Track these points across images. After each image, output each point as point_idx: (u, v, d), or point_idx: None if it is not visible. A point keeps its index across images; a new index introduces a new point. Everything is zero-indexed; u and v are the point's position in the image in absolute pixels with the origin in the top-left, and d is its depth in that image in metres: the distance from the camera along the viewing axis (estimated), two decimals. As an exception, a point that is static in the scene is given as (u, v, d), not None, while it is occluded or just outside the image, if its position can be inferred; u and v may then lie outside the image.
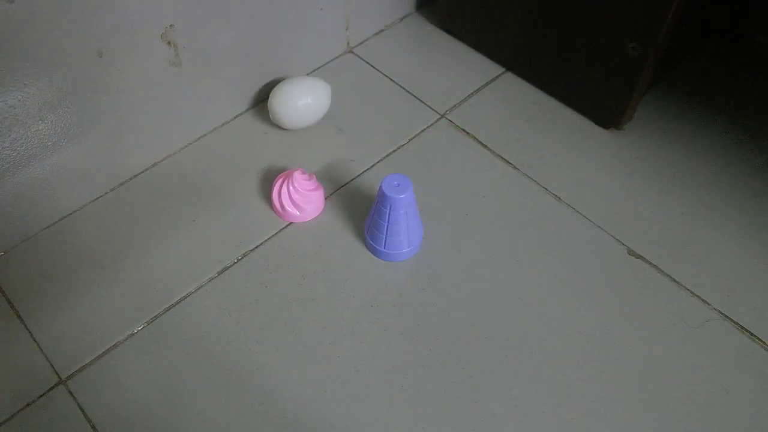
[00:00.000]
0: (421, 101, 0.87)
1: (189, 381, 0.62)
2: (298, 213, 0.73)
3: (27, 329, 0.66)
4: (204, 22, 0.72)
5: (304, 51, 0.88)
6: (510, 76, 0.90)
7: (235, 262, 0.71)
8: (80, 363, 0.64)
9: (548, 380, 0.63)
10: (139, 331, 0.66)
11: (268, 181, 0.77)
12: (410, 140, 0.83)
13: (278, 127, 0.83)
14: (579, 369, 0.63)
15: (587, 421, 0.60)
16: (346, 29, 0.91)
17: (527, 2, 0.80)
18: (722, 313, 0.67)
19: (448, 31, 0.96)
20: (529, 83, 0.89)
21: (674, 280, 0.69)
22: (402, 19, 0.99)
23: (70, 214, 0.75)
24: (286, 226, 0.74)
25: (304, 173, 0.73)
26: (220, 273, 0.70)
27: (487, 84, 0.90)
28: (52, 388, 0.62)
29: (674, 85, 0.89)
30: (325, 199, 0.76)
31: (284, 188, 0.72)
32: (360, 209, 0.75)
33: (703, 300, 0.68)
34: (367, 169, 0.80)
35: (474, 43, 0.94)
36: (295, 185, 0.72)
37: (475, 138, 0.83)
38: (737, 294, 0.68)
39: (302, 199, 0.72)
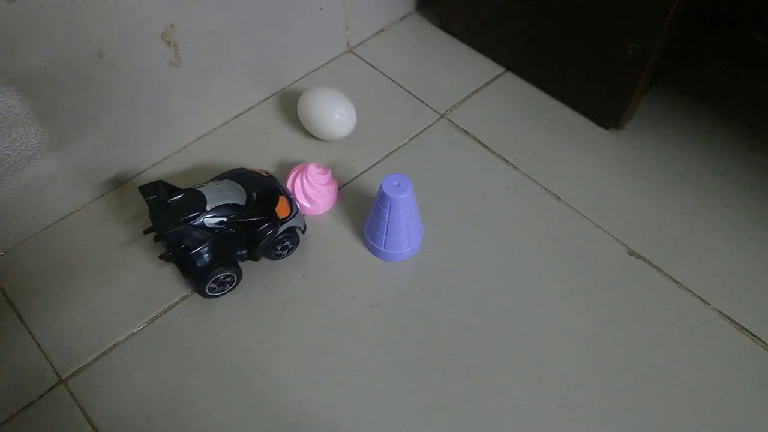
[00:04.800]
0: (421, 101, 0.87)
1: (189, 381, 0.62)
2: (309, 206, 0.73)
3: (27, 329, 0.66)
4: (204, 22, 0.72)
5: (304, 51, 0.88)
6: (510, 76, 0.90)
7: (235, 262, 0.71)
8: (80, 363, 0.64)
9: (548, 380, 0.63)
10: (139, 331, 0.66)
11: (268, 181, 0.77)
12: (410, 140, 0.83)
13: (279, 127, 0.83)
14: (579, 369, 0.63)
15: (587, 421, 0.60)
16: (346, 29, 0.91)
17: (527, 2, 0.80)
18: (722, 313, 0.67)
19: (448, 31, 0.96)
20: (529, 83, 0.89)
21: (674, 280, 0.69)
22: (402, 19, 0.99)
23: (71, 213, 0.75)
24: (286, 226, 0.74)
25: (318, 167, 0.74)
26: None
27: (487, 84, 0.90)
28: (52, 388, 0.62)
29: (674, 85, 0.89)
30: (338, 189, 0.76)
31: (298, 180, 0.73)
32: (360, 209, 0.75)
33: (703, 300, 0.68)
34: (367, 169, 0.80)
35: (474, 43, 0.94)
36: (309, 179, 0.72)
37: (475, 138, 0.83)
38: (737, 294, 0.68)
39: (315, 192, 0.73)
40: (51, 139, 0.67)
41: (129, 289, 0.69)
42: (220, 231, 0.64)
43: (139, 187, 0.65)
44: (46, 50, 0.61)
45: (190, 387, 0.62)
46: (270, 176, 0.71)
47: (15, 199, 0.69)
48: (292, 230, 0.68)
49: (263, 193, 0.67)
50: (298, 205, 0.70)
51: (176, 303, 0.68)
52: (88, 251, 0.72)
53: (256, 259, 0.68)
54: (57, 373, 0.63)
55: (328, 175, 0.75)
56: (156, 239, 0.68)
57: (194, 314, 0.67)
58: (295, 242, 0.70)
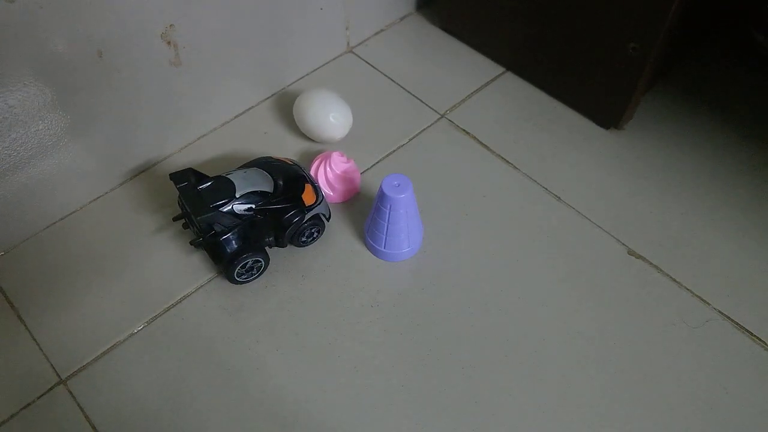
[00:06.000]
0: (421, 101, 0.87)
1: (189, 381, 0.62)
2: (332, 194, 0.74)
3: (27, 329, 0.66)
4: (204, 23, 0.72)
5: (304, 51, 0.88)
6: (510, 76, 0.90)
7: (235, 262, 0.71)
8: (80, 363, 0.64)
9: (548, 380, 0.63)
10: (139, 331, 0.66)
11: (268, 181, 0.77)
12: (410, 140, 0.83)
13: (279, 127, 0.83)
14: (579, 369, 0.63)
15: (587, 421, 0.60)
16: (346, 29, 0.91)
17: (527, 2, 0.80)
18: (722, 313, 0.67)
19: (448, 31, 0.96)
20: (529, 83, 0.89)
21: (674, 280, 0.69)
22: (402, 19, 0.99)
23: (70, 214, 0.75)
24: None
25: (342, 155, 0.75)
26: (220, 273, 0.70)
27: (487, 84, 0.90)
28: (52, 388, 0.62)
29: (674, 85, 0.89)
30: (361, 174, 0.78)
31: (322, 168, 0.74)
32: (360, 209, 0.75)
33: (703, 300, 0.68)
34: (367, 169, 0.80)
35: (474, 43, 0.94)
36: (333, 166, 0.73)
37: (475, 138, 0.83)
38: (737, 294, 0.68)
39: (338, 180, 0.74)
40: (51, 139, 0.67)
41: (129, 289, 0.69)
42: (249, 218, 0.65)
43: (170, 175, 0.66)
44: (46, 50, 0.61)
45: (190, 387, 0.62)
46: (295, 164, 0.72)
47: (15, 199, 0.69)
48: (317, 217, 0.69)
49: (289, 180, 0.69)
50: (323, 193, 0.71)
51: (176, 303, 0.68)
52: (88, 251, 0.72)
53: (283, 245, 0.70)
54: (57, 373, 0.63)
55: (351, 163, 0.75)
56: (185, 226, 0.70)
57: (194, 314, 0.67)
58: (321, 229, 0.71)
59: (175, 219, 0.70)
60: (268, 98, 0.87)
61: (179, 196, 0.66)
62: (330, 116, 0.77)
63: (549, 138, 0.83)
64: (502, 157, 0.81)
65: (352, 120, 0.79)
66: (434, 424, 0.60)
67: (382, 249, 0.69)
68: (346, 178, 0.74)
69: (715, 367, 0.63)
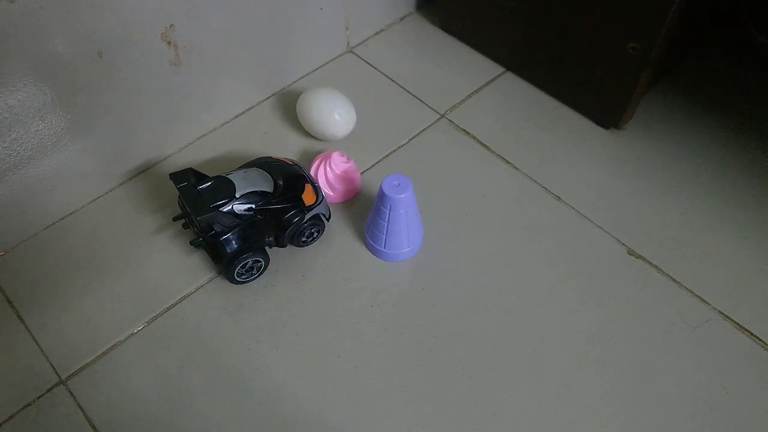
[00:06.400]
0: (421, 101, 0.87)
1: (189, 381, 0.62)
2: (332, 194, 0.74)
3: (27, 329, 0.66)
4: (204, 23, 0.72)
5: (304, 51, 0.88)
6: (510, 76, 0.90)
7: (235, 262, 0.71)
8: (80, 363, 0.64)
9: (548, 380, 0.63)
10: (139, 331, 0.66)
11: (268, 181, 0.77)
12: (410, 140, 0.83)
13: (279, 127, 0.83)
14: (579, 369, 0.63)
15: (587, 421, 0.60)
16: (346, 29, 0.91)
17: (527, 2, 0.80)
18: (722, 313, 0.67)
19: (448, 31, 0.96)
20: (529, 83, 0.89)
21: (674, 280, 0.69)
22: (402, 19, 0.99)
23: (70, 214, 0.75)
24: (286, 226, 0.74)
25: (342, 155, 0.75)
26: (220, 272, 0.70)
27: (487, 84, 0.90)
28: (52, 388, 0.62)
29: (674, 85, 0.89)
30: (361, 176, 0.78)
31: (322, 168, 0.74)
32: (360, 209, 0.75)
33: (703, 300, 0.68)
34: (367, 169, 0.80)
35: (474, 43, 0.94)
36: (333, 166, 0.73)
37: (475, 138, 0.83)
38: (737, 294, 0.68)
39: (338, 180, 0.74)
40: (51, 138, 0.67)
41: (129, 289, 0.69)
42: (249, 218, 0.65)
43: (170, 174, 0.66)
44: (46, 50, 0.61)
45: (190, 387, 0.62)
46: (295, 164, 0.72)
47: (14, 199, 0.69)
48: (317, 217, 0.69)
49: (289, 180, 0.69)
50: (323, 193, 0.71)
51: (176, 303, 0.68)
52: (88, 251, 0.72)
53: (283, 245, 0.70)
54: (57, 373, 0.63)
55: (352, 163, 0.75)
56: (185, 226, 0.70)
57: (194, 314, 0.67)
58: (321, 229, 0.71)
59: (175, 219, 0.70)
60: (268, 98, 0.87)
61: (179, 196, 0.66)
62: (335, 113, 0.77)
63: (549, 138, 0.83)
64: (502, 157, 0.81)
65: (355, 118, 0.80)
66: (434, 424, 0.60)
67: (382, 249, 0.69)
68: (346, 178, 0.74)
69: (715, 367, 0.63)
